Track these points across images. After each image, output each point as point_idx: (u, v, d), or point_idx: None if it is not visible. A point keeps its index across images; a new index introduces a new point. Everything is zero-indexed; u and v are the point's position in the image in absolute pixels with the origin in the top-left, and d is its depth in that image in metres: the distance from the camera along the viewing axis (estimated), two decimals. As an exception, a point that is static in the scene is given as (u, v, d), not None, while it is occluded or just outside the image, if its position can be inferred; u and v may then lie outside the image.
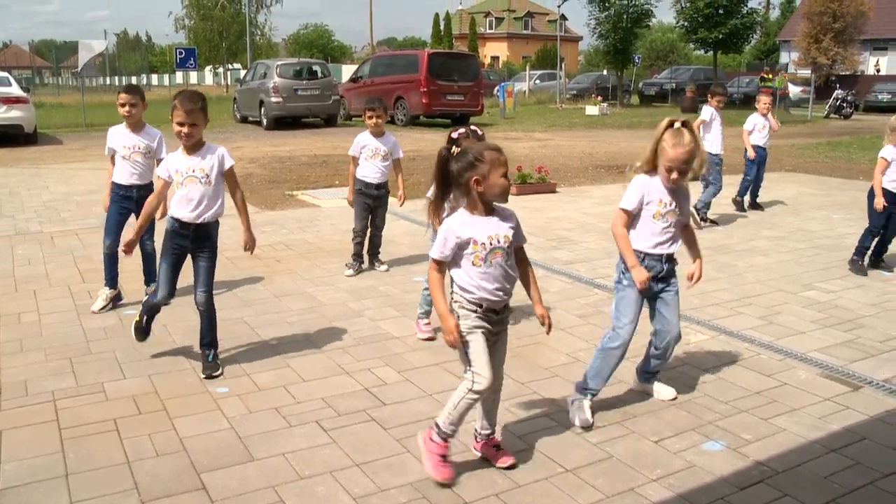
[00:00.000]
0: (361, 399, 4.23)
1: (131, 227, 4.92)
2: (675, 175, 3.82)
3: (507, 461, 3.51)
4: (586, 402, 4.04)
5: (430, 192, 4.87)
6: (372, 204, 6.77)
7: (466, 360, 3.32)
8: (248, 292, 6.22)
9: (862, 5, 41.85)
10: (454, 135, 4.52)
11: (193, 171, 4.38)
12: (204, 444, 3.69)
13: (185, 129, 4.32)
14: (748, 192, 10.11)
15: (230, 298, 5.99)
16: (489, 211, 3.31)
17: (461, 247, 3.26)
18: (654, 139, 3.87)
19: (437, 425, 3.40)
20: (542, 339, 5.13)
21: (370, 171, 6.69)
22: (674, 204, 3.93)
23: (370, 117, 6.65)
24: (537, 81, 43.50)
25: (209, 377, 4.49)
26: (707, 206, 9.06)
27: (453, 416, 3.36)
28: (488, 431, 3.57)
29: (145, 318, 4.74)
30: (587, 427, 3.92)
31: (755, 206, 10.20)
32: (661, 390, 4.32)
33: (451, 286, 3.40)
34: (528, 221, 8.97)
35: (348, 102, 25.44)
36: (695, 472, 3.51)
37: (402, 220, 8.81)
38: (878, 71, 47.51)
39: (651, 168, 3.94)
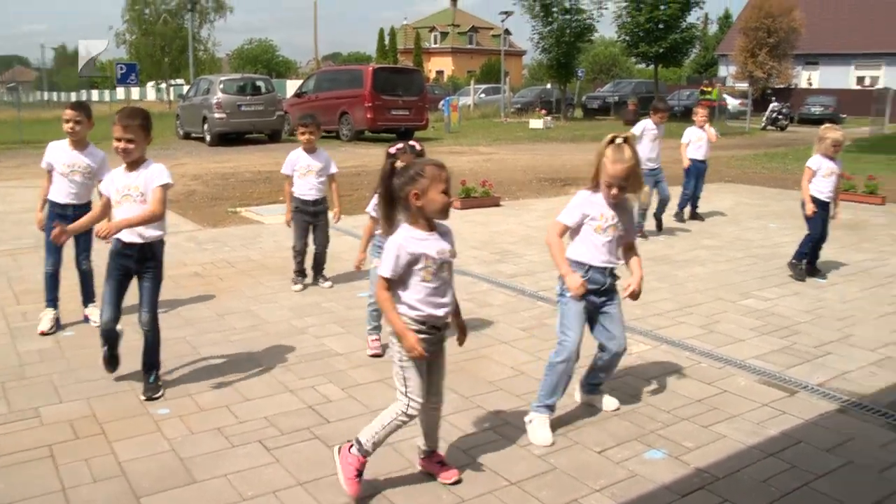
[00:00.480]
0: (305, 417, 4.20)
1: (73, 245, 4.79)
2: (614, 191, 3.88)
3: (451, 476, 3.51)
4: (546, 419, 4.03)
5: (371, 207, 4.90)
6: (310, 221, 6.76)
7: (403, 382, 3.32)
8: (191, 311, 6.14)
9: (794, 21, 43.22)
10: (392, 150, 4.54)
11: (129, 189, 4.30)
12: (144, 468, 3.62)
13: (121, 145, 4.24)
14: (688, 204, 10.30)
15: (173, 318, 5.90)
16: (431, 227, 3.32)
17: (411, 263, 3.26)
18: (597, 155, 3.92)
19: (358, 441, 3.39)
20: (486, 352, 5.17)
21: (305, 188, 6.68)
22: (615, 219, 3.98)
23: (302, 133, 6.65)
24: (482, 95, 43.79)
25: (150, 399, 4.41)
26: (643, 218, 9.13)
27: (379, 436, 3.37)
28: (431, 448, 3.58)
29: (105, 347, 4.60)
30: (548, 445, 3.91)
31: (695, 216, 10.39)
32: (606, 401, 4.37)
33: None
34: (472, 235, 9.02)
35: (293, 118, 25.26)
36: (637, 481, 3.56)
37: (346, 235, 8.78)
38: (810, 84, 48.86)
39: (595, 184, 3.99)
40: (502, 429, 4.07)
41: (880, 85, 42.42)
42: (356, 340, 5.39)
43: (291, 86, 44.91)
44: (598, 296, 4.04)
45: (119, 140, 4.23)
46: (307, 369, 4.91)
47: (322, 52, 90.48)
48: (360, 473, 3.37)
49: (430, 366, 3.39)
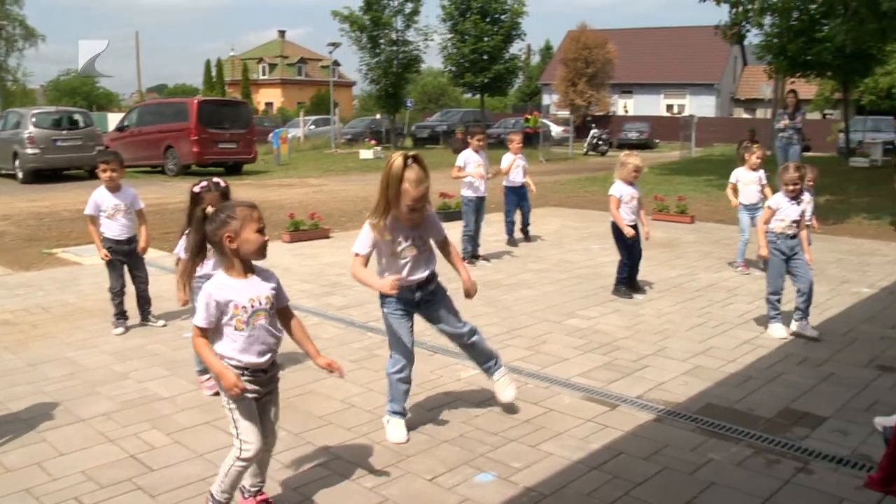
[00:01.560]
0: (126, 468, 4.00)
1: None
2: (416, 214, 3.98)
3: None
4: (401, 421, 4.29)
5: (179, 248, 4.80)
6: (125, 260, 6.52)
7: (233, 425, 3.25)
8: (-2, 363, 5.72)
9: (609, 53, 45.90)
10: (196, 189, 4.53)
11: None
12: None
13: None
14: (515, 228, 10.62)
15: (-24, 371, 5.48)
16: (248, 270, 3.26)
17: (222, 311, 3.19)
18: (392, 180, 3.92)
19: (211, 494, 3.32)
20: (315, 387, 5.11)
21: (114, 228, 6.47)
22: (411, 239, 4.11)
23: (104, 171, 6.38)
24: (312, 127, 43.55)
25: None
26: (467, 247, 9.33)
27: (225, 485, 3.29)
28: (257, 488, 3.50)
29: None
30: (402, 443, 4.21)
31: (525, 235, 10.71)
32: (504, 391, 4.66)
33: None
34: (301, 268, 8.93)
35: (115, 153, 24.24)
36: (467, 504, 3.61)
37: (170, 273, 8.47)
38: (626, 112, 51.85)
39: (383, 212, 4.01)
40: (333, 463, 4.03)
41: (686, 112, 45.58)
42: (182, 383, 5.20)
43: (114, 119, 43.01)
44: (416, 306, 4.27)
45: None
46: (129, 416, 4.68)
47: (147, 84, 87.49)
48: None
49: (262, 406, 3.33)
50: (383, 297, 4.19)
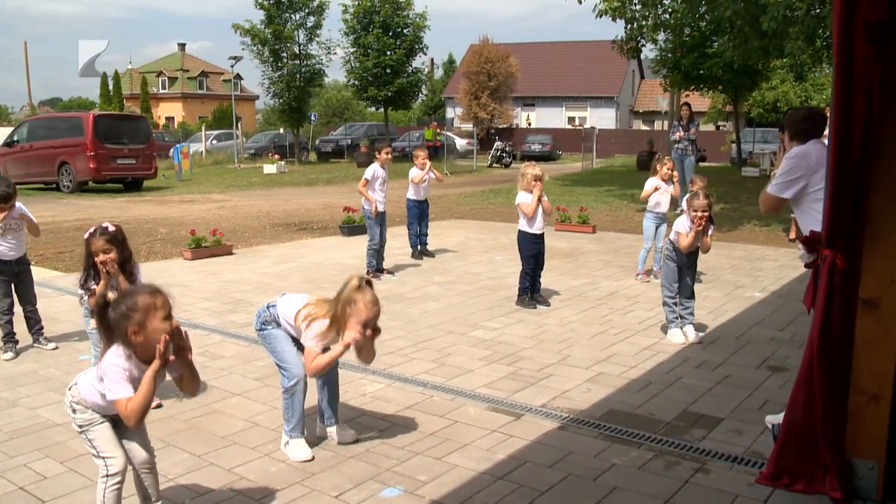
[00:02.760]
0: (15, 501, 3.81)
1: None
2: (369, 332, 4.02)
3: None
4: (301, 440, 4.25)
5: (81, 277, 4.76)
6: (11, 280, 6.28)
7: (91, 446, 3.21)
8: None
9: (511, 66, 46.67)
10: (85, 235, 4.57)
11: None
12: None
13: None
14: (418, 242, 10.65)
15: None
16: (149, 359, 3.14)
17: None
18: (344, 301, 3.96)
19: None
20: (218, 406, 5.00)
21: (2, 249, 6.20)
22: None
23: None
24: (214, 142, 42.72)
25: None
26: (372, 261, 9.32)
27: None
28: None
29: None
30: (308, 460, 4.17)
31: (425, 252, 10.74)
32: (343, 433, 4.49)
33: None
34: (203, 286, 8.74)
35: (3, 169, 23.29)
36: (373, 520, 3.58)
37: (65, 294, 8.17)
38: (529, 124, 52.74)
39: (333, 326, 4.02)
40: (238, 484, 3.94)
41: (587, 125, 46.66)
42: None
43: (2, 133, 41.30)
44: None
45: None
46: (19, 446, 4.47)
47: (40, 97, 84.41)
48: None
49: (123, 427, 3.27)
50: (266, 322, 4.23)
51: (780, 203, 4.56)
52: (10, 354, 6.20)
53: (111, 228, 4.69)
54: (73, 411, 3.19)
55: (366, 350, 4.13)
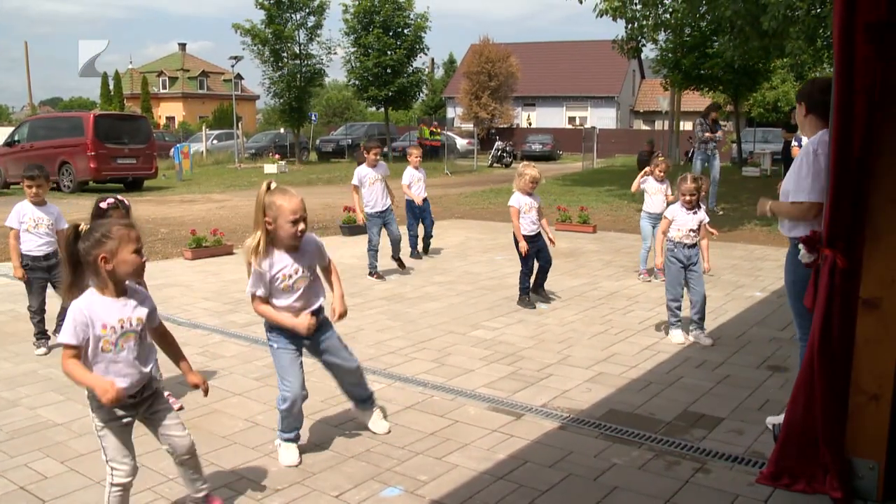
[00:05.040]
0: (16, 501, 3.81)
1: None
2: (302, 226, 3.94)
3: None
4: (293, 445, 4.20)
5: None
6: (46, 277, 6.27)
7: (103, 451, 3.21)
8: None
9: (511, 66, 46.69)
10: (103, 204, 4.38)
11: None
12: None
13: None
14: (418, 243, 10.64)
15: None
16: (121, 292, 3.17)
17: (91, 330, 3.09)
18: (257, 212, 3.94)
19: None
20: (219, 406, 5.00)
21: (34, 243, 6.20)
22: (299, 271, 4.04)
23: (30, 186, 6.21)
24: (215, 142, 42.74)
25: None
26: (374, 262, 9.31)
27: None
28: (202, 492, 3.53)
29: None
30: (295, 465, 4.13)
31: (416, 255, 10.72)
32: (377, 423, 4.58)
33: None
34: (203, 286, 8.73)
35: (4, 169, 23.34)
36: (374, 520, 3.58)
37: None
38: (530, 124, 52.74)
39: (267, 241, 3.97)
40: (238, 484, 3.94)
41: (588, 124, 46.66)
42: (78, 407, 5.00)
43: (3, 133, 41.32)
44: (305, 338, 4.16)
45: None
46: (19, 446, 4.47)
47: (40, 97, 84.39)
48: None
49: (149, 422, 3.32)
50: (270, 329, 4.16)
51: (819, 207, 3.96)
52: (42, 350, 6.27)
53: (127, 202, 4.64)
54: (91, 407, 3.20)
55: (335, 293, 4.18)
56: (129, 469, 3.20)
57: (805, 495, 3.77)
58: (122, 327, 3.12)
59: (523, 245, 7.49)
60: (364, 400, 4.54)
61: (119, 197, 4.56)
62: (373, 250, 9.26)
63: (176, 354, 3.46)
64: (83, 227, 3.13)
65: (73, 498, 3.81)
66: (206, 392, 3.48)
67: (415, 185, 10.45)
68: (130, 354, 3.17)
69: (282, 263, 3.99)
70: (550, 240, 7.77)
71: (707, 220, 6.55)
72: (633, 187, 9.12)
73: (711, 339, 6.44)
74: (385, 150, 29.27)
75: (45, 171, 6.42)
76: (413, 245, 10.63)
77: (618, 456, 4.25)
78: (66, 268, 3.16)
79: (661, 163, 8.94)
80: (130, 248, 3.10)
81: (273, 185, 3.98)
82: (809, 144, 4.13)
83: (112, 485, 3.18)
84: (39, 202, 6.27)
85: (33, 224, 6.20)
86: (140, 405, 3.28)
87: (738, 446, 4.37)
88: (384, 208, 9.36)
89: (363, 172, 9.35)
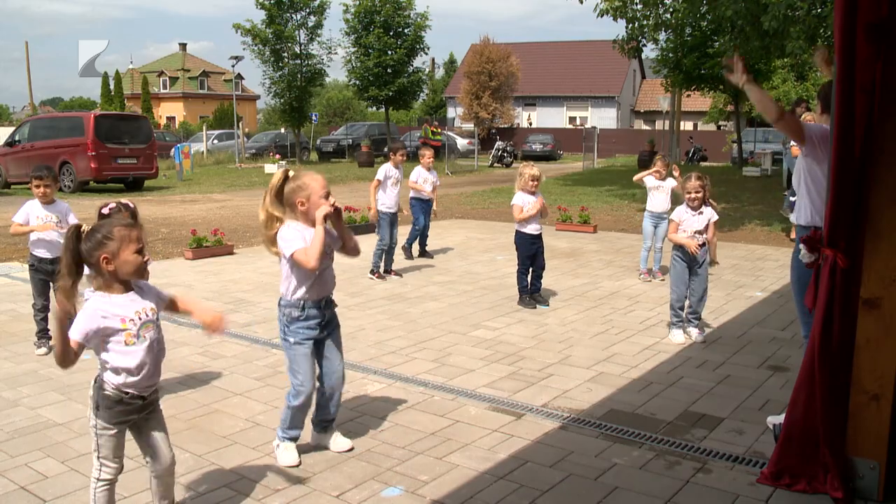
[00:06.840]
0: (16, 501, 3.81)
1: None
2: (332, 199, 3.94)
3: None
4: (292, 445, 4.19)
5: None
6: (48, 279, 6.28)
7: (96, 447, 3.23)
8: None
9: (512, 66, 46.67)
10: (105, 210, 4.39)
11: None
12: None
13: None
14: (416, 241, 10.64)
15: None
16: (128, 288, 3.18)
17: (109, 329, 3.09)
18: (286, 201, 4.01)
19: None
20: (219, 406, 5.00)
21: (40, 245, 6.22)
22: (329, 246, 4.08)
23: (38, 186, 6.22)
24: (215, 141, 42.74)
25: None
26: (378, 262, 9.32)
27: None
28: None
29: None
30: (294, 466, 4.09)
31: (424, 253, 10.73)
32: (338, 442, 4.37)
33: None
34: (204, 286, 8.75)
35: (5, 169, 23.35)
36: (374, 520, 3.58)
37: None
38: (530, 124, 52.72)
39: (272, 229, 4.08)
40: (238, 484, 3.94)
41: (588, 124, 46.66)
42: (78, 407, 5.00)
43: (3, 133, 41.32)
44: (321, 330, 4.17)
45: None
46: (20, 445, 4.47)
47: (41, 97, 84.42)
48: None
49: (141, 430, 3.29)
50: (288, 324, 4.14)
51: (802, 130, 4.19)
52: (43, 350, 6.26)
53: (131, 205, 4.66)
54: (97, 408, 3.20)
55: (344, 233, 4.14)
56: (119, 467, 3.24)
57: (806, 495, 3.77)
58: (139, 318, 3.15)
59: (537, 206, 7.55)
60: (330, 421, 4.40)
61: (123, 201, 4.57)
62: (381, 250, 9.25)
63: (188, 311, 3.51)
64: (84, 228, 3.14)
65: (74, 498, 3.81)
66: (219, 328, 3.53)
67: (422, 183, 10.41)
68: (154, 344, 3.22)
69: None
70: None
71: (715, 217, 6.49)
72: (637, 177, 9.16)
73: (703, 337, 6.45)
74: (385, 150, 29.24)
75: (53, 172, 6.44)
76: (410, 241, 10.61)
77: (618, 456, 4.25)
78: (65, 269, 3.15)
79: (658, 162, 8.93)
80: (132, 248, 3.11)
81: (291, 173, 4.02)
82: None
83: (99, 480, 3.21)
84: (48, 201, 6.29)
85: (41, 224, 6.21)
86: (146, 408, 3.28)
87: (738, 446, 4.37)
88: (398, 210, 9.42)
89: (390, 171, 9.36)
